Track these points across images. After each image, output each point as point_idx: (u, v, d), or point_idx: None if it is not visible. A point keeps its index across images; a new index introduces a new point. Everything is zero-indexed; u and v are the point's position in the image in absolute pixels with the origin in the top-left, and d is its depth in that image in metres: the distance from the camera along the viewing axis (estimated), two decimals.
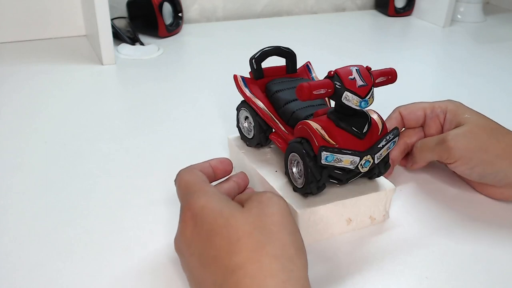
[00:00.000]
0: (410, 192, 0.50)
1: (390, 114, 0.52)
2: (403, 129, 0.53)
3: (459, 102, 0.50)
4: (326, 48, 0.93)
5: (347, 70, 0.38)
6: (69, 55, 0.84)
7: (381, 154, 0.40)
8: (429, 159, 0.50)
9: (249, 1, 1.10)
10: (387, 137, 0.40)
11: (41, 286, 0.37)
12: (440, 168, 0.54)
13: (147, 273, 0.39)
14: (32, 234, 0.43)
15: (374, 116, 0.41)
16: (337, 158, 0.38)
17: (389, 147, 0.41)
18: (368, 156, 0.39)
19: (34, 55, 0.83)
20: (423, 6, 1.14)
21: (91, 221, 0.45)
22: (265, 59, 0.48)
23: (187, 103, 0.69)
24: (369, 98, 0.38)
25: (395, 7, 1.15)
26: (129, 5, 0.95)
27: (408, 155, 0.53)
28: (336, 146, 0.39)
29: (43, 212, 0.46)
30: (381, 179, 0.45)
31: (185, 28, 1.01)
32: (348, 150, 0.39)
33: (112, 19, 0.79)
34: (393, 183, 0.45)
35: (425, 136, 0.52)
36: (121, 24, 0.97)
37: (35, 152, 0.55)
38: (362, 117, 0.40)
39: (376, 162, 0.40)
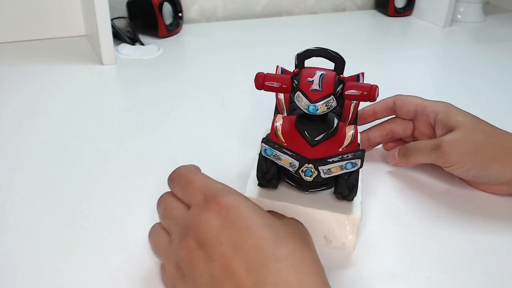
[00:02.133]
0: (409, 187, 0.50)
1: (386, 98, 0.54)
2: (394, 116, 0.55)
3: (450, 104, 0.51)
4: None
5: (311, 71, 0.38)
6: (69, 55, 0.84)
7: (329, 169, 0.38)
8: (422, 162, 0.50)
9: (249, 1, 1.10)
10: (345, 155, 0.38)
11: (41, 286, 0.37)
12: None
13: (147, 273, 0.39)
14: (32, 234, 0.43)
15: (349, 132, 0.39)
16: (276, 154, 0.39)
17: (344, 167, 0.38)
18: (310, 165, 0.38)
19: (34, 55, 0.83)
20: (423, 6, 1.14)
21: (91, 221, 0.45)
22: (309, 58, 0.46)
23: (187, 103, 0.69)
24: (320, 105, 0.36)
25: (395, 7, 1.15)
26: (129, 5, 0.95)
27: (397, 152, 0.52)
28: (284, 144, 0.39)
29: (43, 212, 0.46)
30: (353, 204, 0.41)
31: (185, 28, 1.01)
32: (289, 151, 0.38)
33: (112, 19, 0.79)
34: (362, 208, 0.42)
35: (414, 129, 0.53)
36: (121, 24, 0.97)
37: (35, 152, 0.55)
38: (323, 125, 0.39)
39: (322, 176, 0.38)
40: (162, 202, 0.38)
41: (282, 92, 0.38)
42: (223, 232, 0.32)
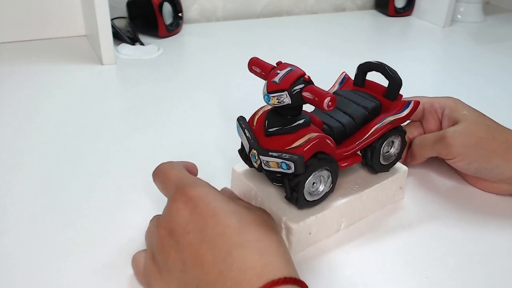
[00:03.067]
0: (411, 188, 0.50)
1: None
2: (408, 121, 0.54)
3: (458, 99, 0.52)
4: (326, 48, 0.93)
5: (284, 65, 0.39)
6: (69, 55, 0.84)
7: (268, 162, 0.39)
8: (428, 155, 0.51)
9: (249, 1, 1.10)
10: (283, 154, 0.38)
11: (41, 286, 0.37)
12: (437, 162, 0.54)
13: None
14: (32, 234, 0.43)
15: (306, 136, 0.39)
16: (240, 132, 0.42)
17: (280, 165, 0.38)
18: (255, 151, 0.40)
19: (34, 55, 0.83)
20: (423, 6, 1.14)
21: (91, 221, 0.45)
22: (368, 70, 0.47)
23: (187, 103, 0.69)
24: (273, 97, 0.37)
25: (395, 7, 1.15)
26: (129, 5, 0.95)
27: (407, 151, 0.53)
28: (254, 127, 0.41)
29: (43, 212, 0.46)
30: (303, 214, 0.41)
31: (185, 28, 1.01)
32: (248, 133, 0.41)
33: (112, 19, 0.79)
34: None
35: (424, 130, 0.53)
36: (121, 24, 0.97)
37: (35, 152, 0.55)
38: (285, 120, 0.39)
39: (263, 166, 0.39)
40: None
41: (262, 79, 0.40)
42: (191, 221, 0.33)
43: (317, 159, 0.39)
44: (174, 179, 0.37)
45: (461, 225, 0.46)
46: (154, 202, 0.47)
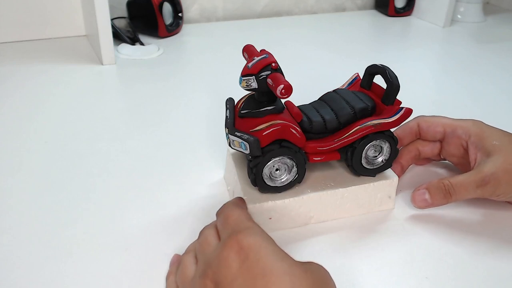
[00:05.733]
0: (407, 190, 0.50)
1: (408, 122, 0.51)
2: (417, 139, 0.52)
3: (481, 122, 0.49)
4: (326, 48, 0.93)
5: (262, 53, 0.41)
6: (69, 55, 0.84)
7: (233, 141, 0.41)
8: (466, 198, 0.47)
9: (249, 1, 1.10)
10: (244, 135, 0.40)
11: (41, 286, 0.38)
12: (439, 165, 0.54)
13: (147, 273, 0.39)
14: (32, 234, 0.43)
15: (269, 122, 0.40)
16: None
17: (240, 144, 0.40)
18: (227, 129, 0.42)
19: (34, 55, 0.83)
20: (423, 6, 1.14)
21: (91, 221, 0.45)
22: (373, 72, 0.47)
23: (187, 103, 0.69)
24: (243, 80, 0.40)
25: (395, 7, 1.15)
26: (129, 5, 0.95)
27: (427, 195, 0.47)
28: (238, 108, 0.43)
29: (43, 212, 0.46)
30: (262, 198, 0.43)
31: (185, 28, 1.01)
32: (229, 113, 0.43)
33: (112, 19, 0.79)
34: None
35: (440, 149, 0.51)
36: (121, 24, 0.97)
37: (35, 152, 0.55)
38: (257, 105, 0.41)
39: (230, 145, 0.42)
40: (201, 235, 0.38)
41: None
42: (239, 276, 0.31)
43: (279, 146, 0.40)
44: (232, 221, 0.35)
45: (461, 224, 0.46)
46: (154, 202, 0.47)
